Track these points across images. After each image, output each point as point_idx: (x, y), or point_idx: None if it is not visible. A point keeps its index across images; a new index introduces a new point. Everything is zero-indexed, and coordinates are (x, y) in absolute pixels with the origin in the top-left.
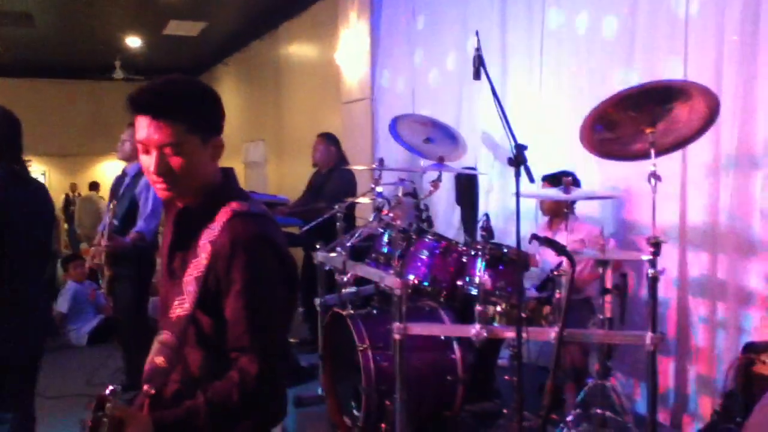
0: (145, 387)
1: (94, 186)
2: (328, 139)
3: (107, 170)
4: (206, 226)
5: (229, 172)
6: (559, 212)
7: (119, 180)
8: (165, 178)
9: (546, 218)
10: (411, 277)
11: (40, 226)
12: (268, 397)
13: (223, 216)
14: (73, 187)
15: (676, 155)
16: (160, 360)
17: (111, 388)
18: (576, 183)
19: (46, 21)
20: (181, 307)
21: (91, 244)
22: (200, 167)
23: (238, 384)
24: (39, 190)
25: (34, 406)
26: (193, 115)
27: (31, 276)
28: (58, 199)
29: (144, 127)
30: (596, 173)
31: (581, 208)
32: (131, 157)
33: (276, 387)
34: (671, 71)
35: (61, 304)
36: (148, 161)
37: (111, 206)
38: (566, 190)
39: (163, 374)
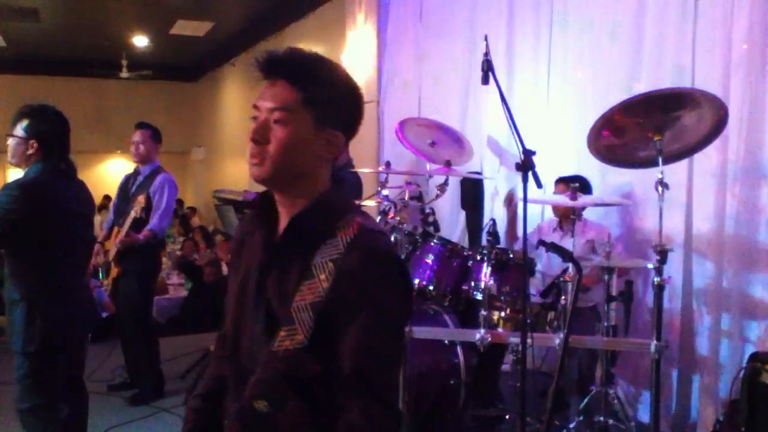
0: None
1: (107, 198)
2: None
3: (111, 168)
4: (323, 241)
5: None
6: (567, 216)
7: (130, 178)
8: (258, 148)
9: (555, 220)
10: (416, 280)
11: (80, 220)
12: None
13: (348, 231)
14: None
15: (682, 163)
16: (261, 405)
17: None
18: (587, 188)
19: (52, 16)
20: (292, 338)
21: (96, 241)
22: (304, 153)
23: None
24: (81, 186)
25: (85, 388)
26: (315, 87)
27: (75, 265)
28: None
29: (263, 89)
30: (601, 179)
31: (588, 213)
32: (146, 159)
33: None
34: (679, 79)
35: None
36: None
37: (140, 199)
38: (573, 197)
39: (265, 421)
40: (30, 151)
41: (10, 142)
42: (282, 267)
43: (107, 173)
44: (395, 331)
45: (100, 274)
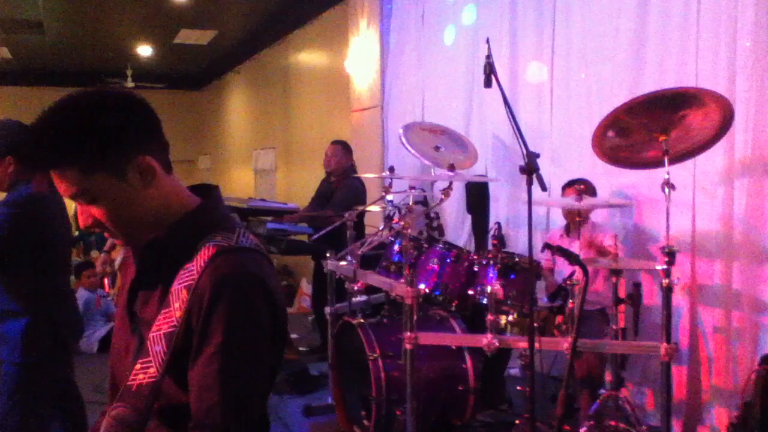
0: None
1: None
2: (344, 147)
3: None
4: (182, 265)
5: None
6: (573, 220)
7: None
8: (101, 229)
9: (561, 226)
10: (422, 285)
11: (68, 224)
12: None
13: (204, 254)
14: None
15: (688, 163)
16: None
17: None
18: (592, 190)
19: (56, 28)
20: (145, 372)
21: (103, 250)
22: (134, 204)
23: None
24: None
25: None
26: (78, 153)
27: (68, 271)
28: (69, 207)
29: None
30: (606, 180)
31: (593, 216)
32: None
33: None
34: (683, 78)
35: None
36: None
37: None
38: (578, 198)
39: None
40: (10, 169)
41: None
42: (144, 293)
43: None
44: (251, 365)
45: (107, 285)
